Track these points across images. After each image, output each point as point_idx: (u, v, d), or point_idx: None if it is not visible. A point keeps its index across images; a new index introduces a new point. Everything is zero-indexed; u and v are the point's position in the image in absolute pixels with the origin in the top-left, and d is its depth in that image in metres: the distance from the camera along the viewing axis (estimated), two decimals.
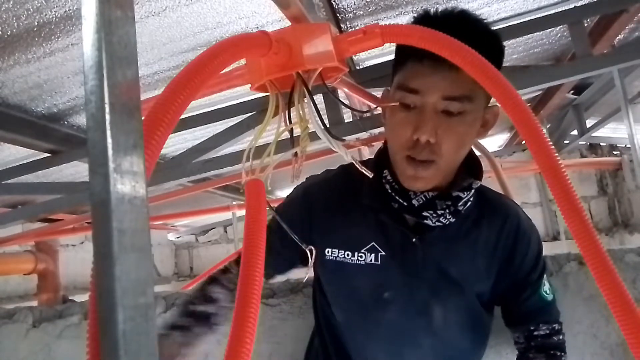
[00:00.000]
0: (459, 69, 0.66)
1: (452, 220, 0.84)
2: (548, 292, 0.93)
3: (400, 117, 0.78)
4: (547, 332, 0.92)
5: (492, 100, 0.80)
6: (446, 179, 0.84)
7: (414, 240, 0.85)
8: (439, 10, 0.78)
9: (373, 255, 0.87)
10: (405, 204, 0.83)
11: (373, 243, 0.87)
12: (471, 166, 0.88)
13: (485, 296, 0.91)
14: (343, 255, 0.88)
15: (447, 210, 0.83)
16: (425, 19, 0.76)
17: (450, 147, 0.76)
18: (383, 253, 0.86)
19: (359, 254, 0.87)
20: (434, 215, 0.83)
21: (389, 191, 0.85)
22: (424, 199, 0.83)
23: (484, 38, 0.74)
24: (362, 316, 0.89)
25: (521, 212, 0.94)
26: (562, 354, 0.92)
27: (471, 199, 0.86)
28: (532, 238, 0.92)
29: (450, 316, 0.88)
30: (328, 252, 0.89)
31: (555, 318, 0.95)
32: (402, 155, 0.79)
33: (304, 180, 0.97)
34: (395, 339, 0.89)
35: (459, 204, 0.83)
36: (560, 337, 0.94)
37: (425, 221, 0.84)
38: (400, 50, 0.80)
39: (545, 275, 0.94)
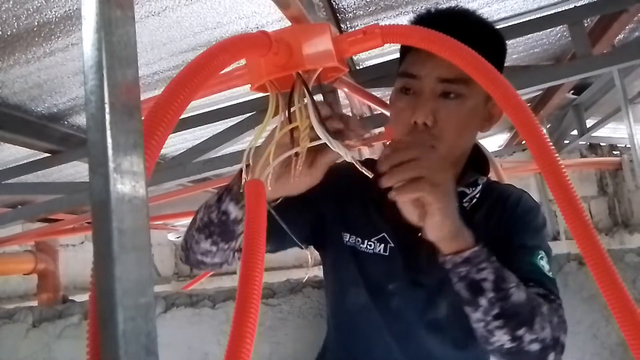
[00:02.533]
0: None
1: None
2: (546, 267, 0.82)
3: (400, 104, 0.80)
4: (539, 292, 0.77)
5: None
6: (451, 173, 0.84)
7: (419, 234, 0.86)
8: (440, 9, 0.79)
9: (382, 245, 0.88)
10: None
11: (384, 234, 0.88)
12: (478, 163, 0.88)
13: None
14: (355, 241, 0.89)
15: None
16: (426, 19, 0.79)
17: (450, 132, 0.76)
18: (392, 245, 0.87)
19: (369, 242, 0.88)
20: None
21: None
22: None
23: (485, 37, 0.76)
24: (372, 303, 0.89)
25: (525, 194, 0.91)
26: (557, 318, 0.75)
27: (477, 195, 0.86)
28: (534, 211, 0.88)
29: (457, 312, 0.88)
30: (343, 235, 0.90)
31: (557, 295, 0.80)
32: None
33: None
34: (402, 331, 0.89)
35: (464, 200, 0.84)
36: (556, 304, 0.78)
37: None
38: (402, 45, 0.83)
39: (543, 253, 0.84)
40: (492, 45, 0.78)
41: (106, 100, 0.29)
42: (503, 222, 0.87)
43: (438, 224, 0.65)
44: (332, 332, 0.98)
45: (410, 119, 0.77)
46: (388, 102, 0.97)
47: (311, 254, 0.77)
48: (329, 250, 0.95)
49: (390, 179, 0.64)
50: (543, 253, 0.85)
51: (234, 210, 0.73)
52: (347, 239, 0.90)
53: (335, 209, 0.91)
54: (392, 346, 0.90)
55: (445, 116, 0.76)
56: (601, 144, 4.40)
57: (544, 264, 0.84)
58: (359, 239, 0.89)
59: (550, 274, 0.84)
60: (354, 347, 0.93)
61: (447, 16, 0.79)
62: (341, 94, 1.56)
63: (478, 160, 0.89)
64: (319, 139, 0.60)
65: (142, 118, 0.32)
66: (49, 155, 1.73)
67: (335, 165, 0.95)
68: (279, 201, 0.73)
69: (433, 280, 0.86)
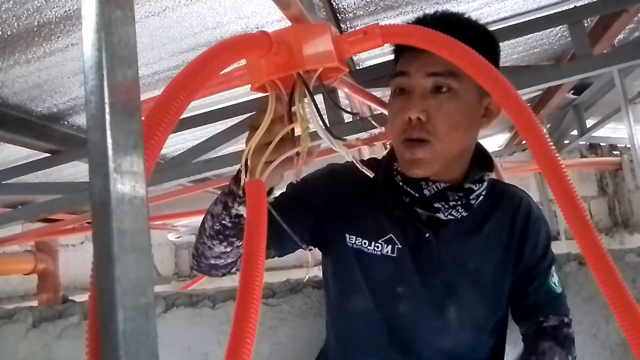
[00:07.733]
0: None
1: (465, 214, 0.84)
2: (557, 284, 0.93)
3: (395, 105, 0.81)
4: (557, 323, 0.91)
5: None
6: (457, 170, 0.85)
7: (427, 235, 0.86)
8: (431, 14, 0.80)
9: (390, 247, 0.87)
10: (416, 195, 0.84)
11: (391, 235, 0.87)
12: (482, 161, 0.89)
13: (500, 292, 0.91)
14: (360, 243, 0.88)
15: (459, 203, 0.83)
16: (418, 23, 0.79)
17: (443, 126, 0.77)
18: (400, 246, 0.87)
19: (376, 244, 0.88)
20: (446, 207, 0.83)
21: (401, 184, 0.86)
22: (436, 189, 0.83)
23: (479, 38, 0.76)
24: (375, 308, 0.89)
25: (532, 201, 0.95)
26: (573, 346, 0.91)
27: (483, 192, 0.86)
28: (542, 227, 0.93)
29: (466, 316, 0.88)
30: (347, 237, 0.89)
31: (566, 312, 0.94)
32: (399, 140, 0.80)
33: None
34: (408, 335, 0.88)
35: (471, 196, 0.84)
36: (571, 331, 0.92)
37: (437, 214, 0.84)
38: (395, 47, 0.85)
39: (554, 267, 0.94)
40: (485, 47, 0.78)
41: (106, 100, 0.29)
42: (519, 238, 0.91)
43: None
44: (331, 337, 0.98)
45: (405, 117, 0.78)
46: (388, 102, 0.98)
47: (311, 254, 0.77)
48: (331, 254, 0.94)
49: None
50: (553, 268, 0.93)
51: (245, 212, 0.73)
52: (352, 241, 0.89)
53: (339, 212, 0.90)
54: (391, 354, 0.89)
55: (438, 110, 0.77)
56: (601, 144, 4.40)
57: (555, 281, 0.93)
58: (365, 241, 0.88)
59: (560, 290, 0.93)
60: (351, 353, 0.93)
61: (438, 20, 0.79)
62: (341, 94, 1.56)
63: (482, 158, 0.90)
64: (320, 138, 0.60)
65: (142, 118, 0.32)
66: (49, 155, 1.73)
67: (337, 167, 0.95)
68: (278, 204, 0.73)
69: (443, 281, 0.86)
